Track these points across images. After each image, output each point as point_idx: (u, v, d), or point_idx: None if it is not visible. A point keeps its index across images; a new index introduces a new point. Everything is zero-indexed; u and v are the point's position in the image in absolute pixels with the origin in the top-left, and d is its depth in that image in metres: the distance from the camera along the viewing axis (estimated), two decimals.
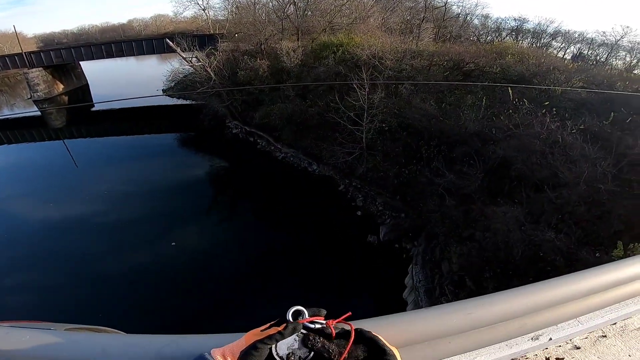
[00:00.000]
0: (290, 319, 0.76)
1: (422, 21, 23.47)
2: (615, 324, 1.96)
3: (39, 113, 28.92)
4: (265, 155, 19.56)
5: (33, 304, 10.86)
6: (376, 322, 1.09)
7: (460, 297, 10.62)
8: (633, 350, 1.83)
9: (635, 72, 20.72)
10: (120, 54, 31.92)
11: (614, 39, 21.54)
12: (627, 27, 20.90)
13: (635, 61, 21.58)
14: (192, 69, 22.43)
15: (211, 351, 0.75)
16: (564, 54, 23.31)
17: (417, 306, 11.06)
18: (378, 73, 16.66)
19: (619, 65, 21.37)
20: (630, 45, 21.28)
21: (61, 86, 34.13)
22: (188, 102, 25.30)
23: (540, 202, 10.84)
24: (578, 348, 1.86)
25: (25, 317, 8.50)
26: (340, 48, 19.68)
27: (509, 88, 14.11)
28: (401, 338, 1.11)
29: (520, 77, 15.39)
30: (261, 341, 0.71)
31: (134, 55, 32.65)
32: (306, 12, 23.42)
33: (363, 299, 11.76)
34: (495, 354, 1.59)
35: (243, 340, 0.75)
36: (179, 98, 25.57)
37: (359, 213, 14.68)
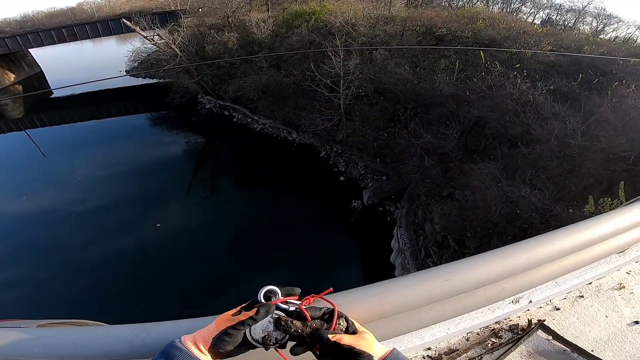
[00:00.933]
0: (262, 300, 0.73)
1: None
2: (590, 283, 2.01)
3: None
4: (243, 128, 19.10)
5: (17, 300, 10.40)
6: (353, 295, 1.04)
7: (444, 257, 10.99)
8: (609, 310, 1.89)
9: (601, 36, 21.54)
10: (73, 38, 29.66)
11: (581, 5, 22.17)
12: None
13: (601, 26, 22.38)
14: (155, 47, 21.23)
15: (181, 338, 0.70)
16: (534, 19, 23.75)
17: (405, 269, 11.33)
18: (352, 40, 16.40)
19: (586, 30, 22.11)
20: (596, 11, 22.02)
21: (12, 76, 31.72)
22: (155, 80, 23.96)
23: (514, 158, 11.22)
24: (558, 309, 1.90)
25: (6, 315, 8.06)
26: (313, 16, 19.15)
27: (481, 52, 14.26)
28: (380, 309, 1.09)
29: (491, 41, 15.54)
30: (233, 327, 0.69)
31: (89, 38, 30.34)
32: None
33: (352, 266, 11.93)
34: (479, 319, 1.61)
35: (214, 325, 0.72)
36: (144, 77, 24.14)
37: (341, 178, 14.78)
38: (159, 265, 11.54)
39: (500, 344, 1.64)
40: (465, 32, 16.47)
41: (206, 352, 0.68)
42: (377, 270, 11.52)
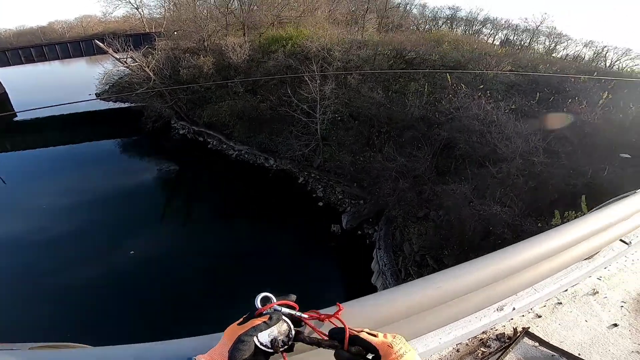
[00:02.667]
0: (259, 305, 0.74)
1: (365, 11, 24.07)
2: (566, 290, 2.16)
3: None
4: (218, 154, 18.85)
5: None
6: (353, 305, 1.08)
7: (424, 276, 11.19)
8: (588, 315, 2.02)
9: (554, 55, 23.33)
10: (42, 58, 28.62)
11: (534, 25, 23.99)
12: (545, 13, 23.41)
13: (553, 45, 24.28)
14: (127, 70, 20.73)
15: (196, 357, 0.68)
16: (494, 40, 25.43)
17: None
18: (327, 64, 16.79)
19: (540, 49, 23.89)
20: (548, 31, 23.88)
21: None
22: (127, 105, 23.28)
23: (484, 177, 11.76)
24: (540, 316, 2.00)
25: None
26: (290, 41, 19.50)
27: (447, 74, 15.06)
28: (377, 318, 1.12)
29: (456, 63, 16.46)
30: (246, 334, 0.68)
31: (59, 59, 29.36)
32: (251, 6, 22.71)
33: (333, 290, 11.88)
34: (467, 327, 1.70)
35: (225, 338, 0.70)
36: (115, 101, 23.40)
37: (320, 204, 14.82)
38: (132, 292, 11.13)
39: (490, 353, 1.71)
40: (433, 55, 17.38)
41: None
42: (360, 293, 11.45)
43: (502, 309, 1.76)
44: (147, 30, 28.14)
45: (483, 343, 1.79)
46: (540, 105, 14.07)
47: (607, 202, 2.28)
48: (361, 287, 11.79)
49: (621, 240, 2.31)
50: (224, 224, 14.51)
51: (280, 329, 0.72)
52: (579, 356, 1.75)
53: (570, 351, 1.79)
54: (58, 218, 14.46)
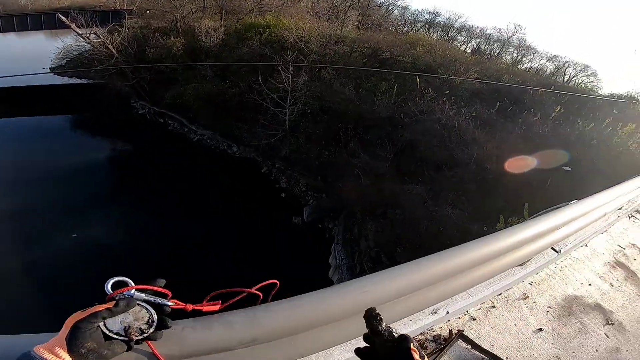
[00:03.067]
0: (110, 291, 0.67)
1: (348, 8, 23.99)
2: (500, 294, 2.23)
3: None
4: (178, 137, 18.17)
5: None
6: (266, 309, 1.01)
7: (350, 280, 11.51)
8: (517, 319, 2.10)
9: (519, 66, 24.51)
10: None
11: (506, 36, 25.02)
12: (519, 25, 24.42)
13: (520, 56, 25.49)
14: (89, 45, 19.65)
15: (34, 348, 0.61)
16: (466, 47, 26.28)
17: None
18: (303, 56, 16.64)
19: (507, 60, 25.01)
20: (518, 42, 24.98)
21: None
22: (84, 81, 21.76)
23: (439, 180, 12.24)
24: (474, 319, 2.06)
25: None
26: (267, 30, 19.08)
27: (417, 77, 15.42)
28: (292, 325, 1.09)
29: (427, 66, 16.87)
30: (84, 320, 0.62)
31: (15, 31, 26.80)
32: None
33: (288, 282, 11.86)
34: (402, 329, 1.66)
35: (64, 327, 0.64)
36: (71, 77, 21.84)
37: (283, 195, 14.76)
38: (72, 277, 10.35)
39: (426, 355, 1.79)
40: (406, 57, 17.69)
41: (67, 357, 0.60)
42: (315, 286, 11.66)
43: (437, 312, 1.79)
44: (118, 7, 26.50)
45: (420, 344, 1.81)
46: (499, 114, 14.72)
47: (542, 212, 2.38)
48: (317, 281, 11.92)
49: (552, 248, 2.44)
50: (178, 209, 13.97)
51: (137, 316, 0.67)
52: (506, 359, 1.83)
53: (499, 354, 1.86)
54: None
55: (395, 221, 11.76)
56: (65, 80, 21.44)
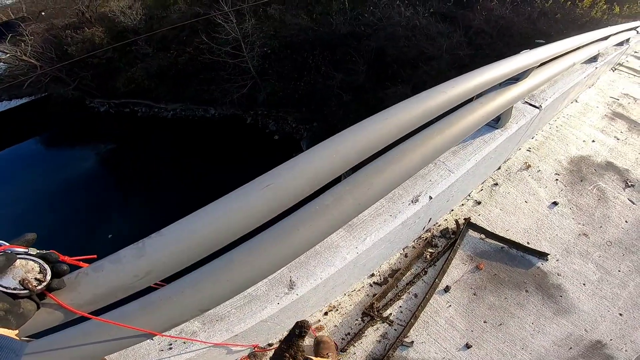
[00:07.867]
0: None
1: None
2: (499, 168, 2.02)
3: None
4: (152, 119, 17.10)
5: None
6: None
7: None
8: (526, 194, 1.87)
9: None
10: None
11: None
12: None
13: None
14: (1, 63, 17.40)
15: None
16: None
17: None
18: (241, 1, 15.55)
19: None
20: None
21: None
22: (25, 100, 19.29)
23: (419, 76, 12.30)
24: (479, 203, 1.85)
25: None
26: None
27: None
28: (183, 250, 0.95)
29: None
30: None
31: None
32: None
33: None
34: (386, 228, 1.46)
35: None
36: (10, 100, 19.35)
37: (276, 137, 14.58)
38: None
39: (438, 253, 1.59)
40: None
41: None
42: None
43: (418, 200, 1.49)
44: (4, 19, 23.34)
45: (429, 243, 1.63)
46: (457, 6, 14.67)
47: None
48: None
49: (529, 103, 2.08)
50: (182, 189, 13.63)
51: (27, 269, 0.66)
52: (528, 245, 1.62)
53: (518, 240, 1.65)
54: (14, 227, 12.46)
55: None
56: (5, 105, 18.90)
